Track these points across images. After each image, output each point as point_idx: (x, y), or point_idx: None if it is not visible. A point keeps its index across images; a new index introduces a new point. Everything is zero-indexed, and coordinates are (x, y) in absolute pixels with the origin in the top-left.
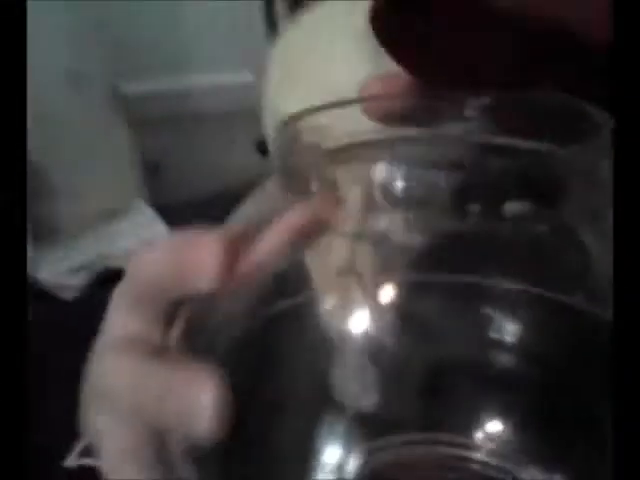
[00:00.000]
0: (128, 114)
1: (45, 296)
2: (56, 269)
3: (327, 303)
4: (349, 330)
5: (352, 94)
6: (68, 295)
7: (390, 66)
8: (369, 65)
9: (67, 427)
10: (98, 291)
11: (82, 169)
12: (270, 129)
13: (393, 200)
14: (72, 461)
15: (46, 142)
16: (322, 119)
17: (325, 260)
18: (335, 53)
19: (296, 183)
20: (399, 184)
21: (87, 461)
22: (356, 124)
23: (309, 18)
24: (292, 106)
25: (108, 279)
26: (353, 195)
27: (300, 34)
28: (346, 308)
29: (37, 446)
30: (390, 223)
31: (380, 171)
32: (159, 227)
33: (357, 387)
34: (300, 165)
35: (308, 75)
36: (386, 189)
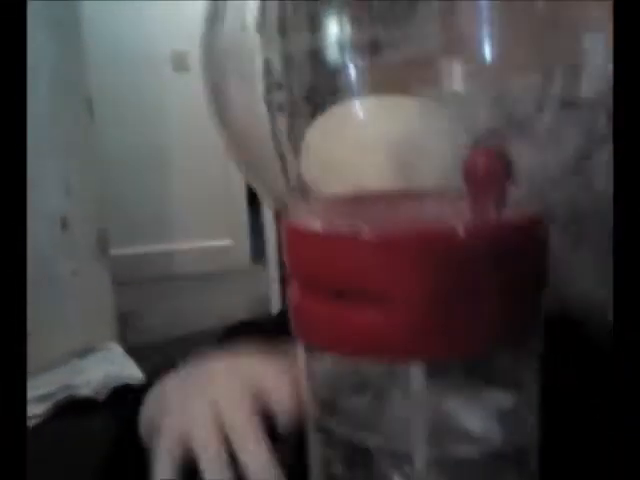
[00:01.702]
0: (114, 274)
1: None
2: None
3: None
4: None
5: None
6: (29, 423)
7: (418, 178)
8: (399, 177)
9: None
10: (59, 419)
11: (55, 311)
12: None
13: None
14: None
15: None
16: None
17: None
18: (366, 164)
19: None
20: None
21: None
22: None
23: (337, 117)
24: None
25: (69, 408)
26: None
27: (332, 127)
28: None
29: None
30: None
31: None
32: (128, 363)
33: None
34: None
35: (340, 173)
36: None
